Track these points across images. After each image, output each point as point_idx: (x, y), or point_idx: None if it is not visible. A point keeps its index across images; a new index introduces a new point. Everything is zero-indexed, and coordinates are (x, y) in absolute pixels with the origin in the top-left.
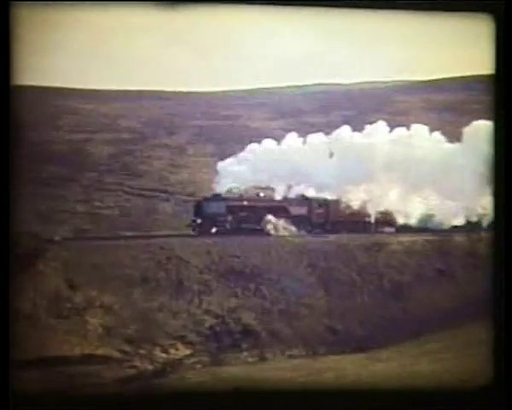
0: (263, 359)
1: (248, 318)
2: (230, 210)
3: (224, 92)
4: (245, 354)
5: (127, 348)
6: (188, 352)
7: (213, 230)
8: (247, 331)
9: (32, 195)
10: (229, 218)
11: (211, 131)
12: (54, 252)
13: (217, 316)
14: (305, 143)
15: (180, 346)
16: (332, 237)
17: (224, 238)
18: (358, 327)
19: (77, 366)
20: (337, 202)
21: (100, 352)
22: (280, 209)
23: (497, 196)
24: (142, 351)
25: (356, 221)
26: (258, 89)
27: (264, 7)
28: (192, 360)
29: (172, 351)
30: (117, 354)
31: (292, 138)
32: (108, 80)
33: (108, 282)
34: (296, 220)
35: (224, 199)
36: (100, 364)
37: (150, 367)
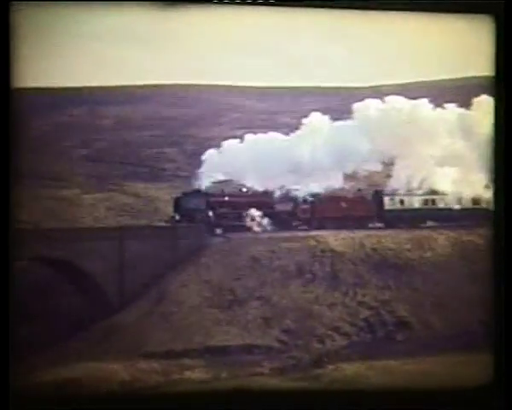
0: (416, 351)
1: (402, 310)
2: (211, 205)
3: (377, 87)
4: (398, 346)
5: (285, 338)
6: (344, 343)
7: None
8: (400, 323)
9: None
10: (210, 213)
11: None
12: (216, 245)
13: (371, 308)
14: None
15: (336, 337)
16: (481, 230)
17: (377, 231)
18: None
19: (238, 355)
20: (324, 197)
21: (259, 342)
22: (264, 205)
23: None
24: (299, 341)
25: (355, 216)
26: (413, 83)
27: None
28: (348, 350)
29: (329, 342)
30: (276, 345)
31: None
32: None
33: (267, 274)
34: (280, 216)
35: (205, 194)
36: (260, 354)
37: (307, 357)
